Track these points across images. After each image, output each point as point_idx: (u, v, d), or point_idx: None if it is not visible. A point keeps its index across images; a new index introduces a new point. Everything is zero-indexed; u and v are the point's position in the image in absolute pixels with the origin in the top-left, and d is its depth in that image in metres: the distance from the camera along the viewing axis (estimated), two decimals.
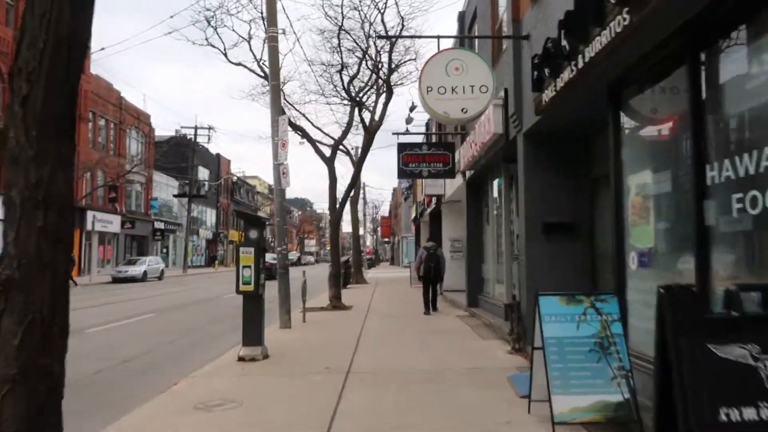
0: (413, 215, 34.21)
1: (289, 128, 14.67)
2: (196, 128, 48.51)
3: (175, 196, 49.34)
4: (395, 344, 8.89)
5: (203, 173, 60.14)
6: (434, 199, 20.75)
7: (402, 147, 13.24)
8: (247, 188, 79.29)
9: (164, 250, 52.64)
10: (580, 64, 5.30)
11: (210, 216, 63.76)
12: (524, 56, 7.93)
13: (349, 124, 15.32)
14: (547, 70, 6.23)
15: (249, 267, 7.72)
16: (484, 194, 12.82)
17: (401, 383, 6.25)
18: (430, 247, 13.54)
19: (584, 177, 7.83)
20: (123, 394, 6.52)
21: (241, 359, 7.67)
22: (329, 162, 14.86)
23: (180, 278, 38.00)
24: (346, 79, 15.20)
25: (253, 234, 7.94)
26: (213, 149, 65.20)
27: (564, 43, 5.62)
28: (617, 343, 4.46)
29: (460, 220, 18.63)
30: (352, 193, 29.10)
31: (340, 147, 15.68)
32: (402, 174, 13.32)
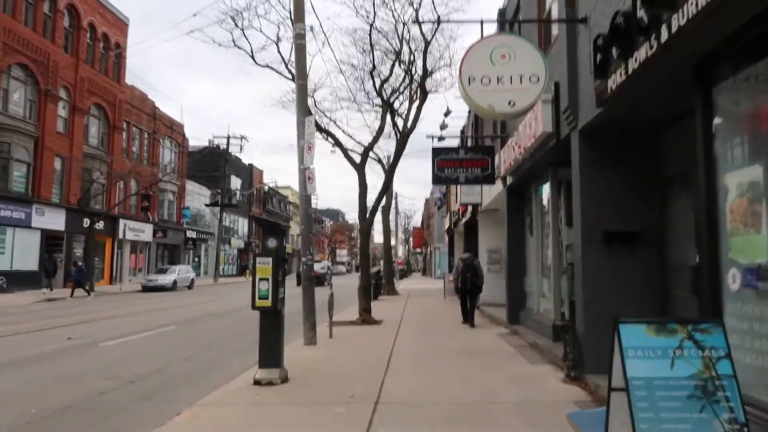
0: (447, 225, 33.16)
1: (318, 133, 13.93)
2: (228, 138, 48.52)
3: (207, 205, 49.38)
4: (430, 367, 7.92)
5: (236, 183, 60.31)
6: (470, 209, 19.72)
7: (437, 152, 12.30)
8: (279, 198, 79.34)
9: (196, 259, 52.72)
10: (664, 37, 4.31)
11: (242, 225, 63.81)
12: (580, 42, 6.95)
13: (381, 129, 14.48)
14: (615, 51, 5.24)
15: (266, 280, 6.89)
16: (527, 202, 11.78)
17: (439, 420, 5.28)
18: (466, 258, 13.24)
19: (652, 177, 6.76)
20: (119, 423, 5.73)
21: (257, 383, 6.82)
22: (359, 168, 14.03)
23: (210, 288, 37.71)
24: (378, 81, 14.41)
25: (272, 243, 7.24)
26: (246, 160, 65.55)
27: (641, 14, 4.64)
28: (726, 388, 3.42)
29: (497, 230, 17.57)
30: (383, 202, 28.31)
31: (371, 153, 14.82)
32: (437, 180, 12.38)
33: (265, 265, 6.91)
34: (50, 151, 30.52)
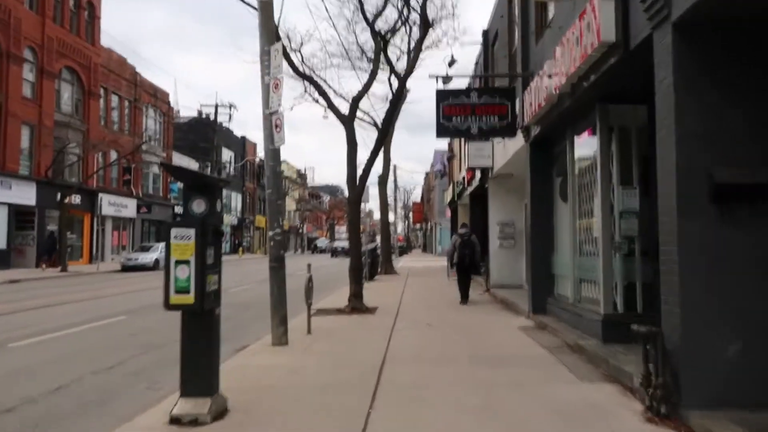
0: (449, 198, 30.66)
1: (291, 71, 11.35)
2: (216, 106, 45.79)
3: None
4: (436, 387, 5.51)
5: (228, 156, 57.64)
6: (478, 176, 17.22)
7: (442, 96, 9.70)
8: None
9: None
10: None
11: (235, 201, 61.36)
12: None
13: (374, 73, 11.88)
14: None
15: (186, 263, 4.44)
16: (558, 158, 9.28)
17: None
18: (464, 233, 12.77)
19: None
20: None
21: (174, 421, 4.43)
22: (348, 122, 11.48)
23: None
24: (370, 16, 11.78)
25: (199, 206, 4.65)
26: (239, 133, 62.74)
27: None
28: None
29: (510, 200, 15.12)
30: (381, 173, 25.78)
31: (367, 118, 12.13)
32: (442, 131, 9.80)
33: (184, 241, 4.45)
34: (15, 117, 27.83)
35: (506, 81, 11.86)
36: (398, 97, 11.52)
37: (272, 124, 8.01)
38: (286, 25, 30.51)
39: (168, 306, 4.46)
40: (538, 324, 9.04)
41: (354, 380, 5.79)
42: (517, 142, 11.13)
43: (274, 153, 8.10)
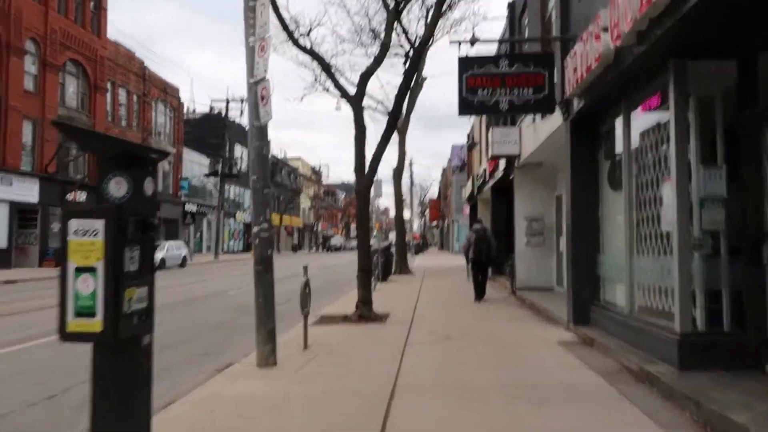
0: (468, 193, 29.01)
1: (293, 46, 9.89)
2: (227, 101, 44.50)
3: (206, 175, 45.69)
4: None
5: (241, 153, 56.52)
6: (501, 166, 15.61)
7: (466, 64, 8.06)
8: (289, 170, 75.61)
9: (198, 235, 49.35)
10: None
11: (249, 198, 60.26)
12: None
13: (385, 47, 10.36)
14: None
15: (91, 271, 2.96)
16: (608, 137, 7.68)
17: None
18: (479, 229, 12.69)
19: None
20: None
21: None
22: (355, 101, 9.98)
23: (208, 266, 34.22)
24: None
25: (117, 186, 3.16)
26: None
27: None
28: None
29: (540, 192, 13.52)
30: (394, 166, 24.19)
31: (377, 105, 10.60)
32: (466, 107, 8.18)
33: (88, 238, 2.98)
34: (16, 112, 26.80)
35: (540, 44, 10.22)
36: (413, 69, 9.96)
37: (257, 95, 6.54)
38: (292, 10, 29.07)
39: (64, 335, 2.99)
40: (582, 338, 7.45)
41: (352, 423, 4.30)
42: (552, 123, 9.53)
43: (259, 131, 6.62)
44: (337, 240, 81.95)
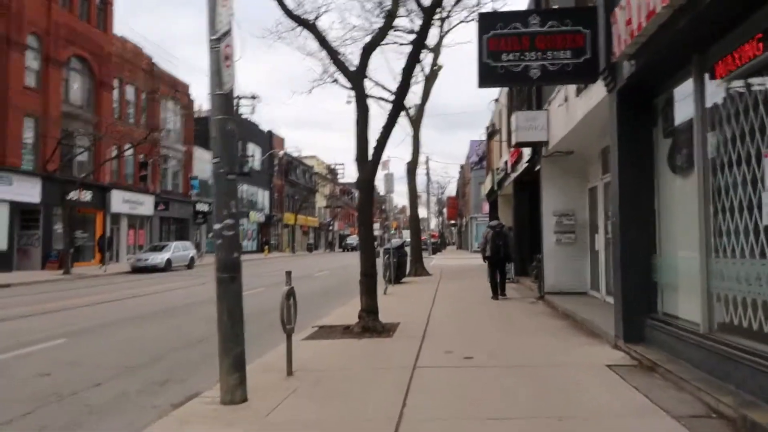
0: (487, 189, 27.38)
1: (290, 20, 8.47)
2: (239, 97, 43.37)
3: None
4: None
5: (254, 152, 55.42)
6: (525, 157, 14.03)
7: (487, 21, 6.49)
8: (304, 168, 74.46)
9: (210, 235, 48.39)
10: None
11: (263, 198, 59.24)
12: None
13: (392, 16, 8.88)
14: None
15: None
16: (666, 110, 6.11)
17: None
18: (495, 225, 12.69)
19: None
20: None
21: None
22: (356, 78, 8.51)
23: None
24: None
25: None
26: (267, 129, 60.46)
27: None
28: None
29: (570, 184, 11.95)
30: (410, 158, 22.59)
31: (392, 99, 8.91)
32: (487, 76, 6.52)
33: None
34: (16, 109, 25.83)
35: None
36: (422, 37, 8.45)
37: (220, 55, 5.11)
38: None
39: None
40: (640, 360, 5.90)
41: None
42: (590, 98, 7.97)
43: (224, 102, 5.20)
44: (353, 239, 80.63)
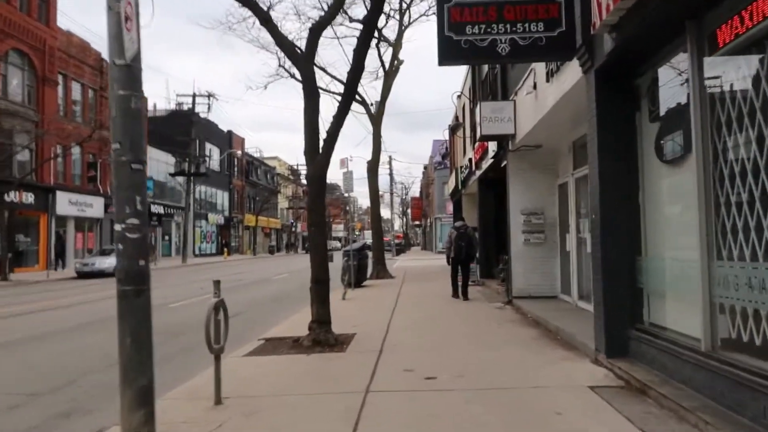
0: (451, 188, 26.72)
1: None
2: (194, 95, 41.77)
3: (171, 174, 42.77)
4: None
5: (212, 152, 53.61)
6: (491, 152, 13.30)
7: None
8: (266, 169, 72.75)
9: (166, 237, 46.46)
10: None
11: (222, 199, 57.43)
12: None
13: None
14: None
15: None
16: (651, 91, 5.36)
17: None
18: (459, 227, 12.53)
19: None
20: None
21: None
22: (304, 61, 7.56)
23: (172, 271, 31.40)
24: None
25: None
26: (227, 129, 58.63)
27: None
28: None
29: (539, 180, 11.25)
30: (374, 156, 21.63)
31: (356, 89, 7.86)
32: (448, 52, 5.59)
33: None
34: None
35: None
36: (375, 12, 7.51)
37: (121, 17, 4.09)
38: None
39: None
40: (627, 381, 5.12)
41: None
42: (563, 83, 7.22)
43: (126, 74, 4.16)
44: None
